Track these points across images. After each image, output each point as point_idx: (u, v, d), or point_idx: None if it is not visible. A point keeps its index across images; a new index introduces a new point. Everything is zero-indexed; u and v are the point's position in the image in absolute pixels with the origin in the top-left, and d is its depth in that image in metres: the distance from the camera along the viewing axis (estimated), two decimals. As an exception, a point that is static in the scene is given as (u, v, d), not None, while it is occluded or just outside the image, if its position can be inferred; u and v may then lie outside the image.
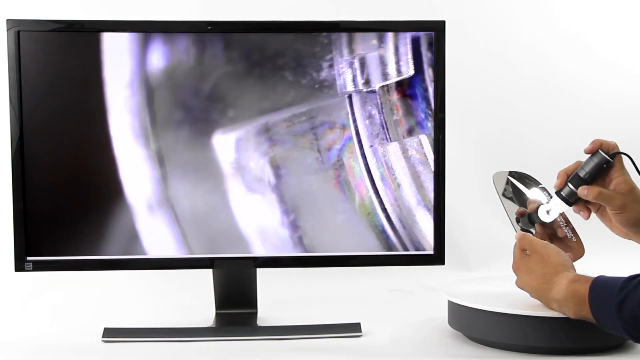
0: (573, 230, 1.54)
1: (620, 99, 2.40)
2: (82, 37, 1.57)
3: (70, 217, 1.59)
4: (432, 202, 1.62)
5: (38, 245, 1.59)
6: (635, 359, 1.42)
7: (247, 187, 1.61)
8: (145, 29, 1.58)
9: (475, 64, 2.32)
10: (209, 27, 1.59)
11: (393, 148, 1.62)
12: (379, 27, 1.60)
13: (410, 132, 1.61)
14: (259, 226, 1.61)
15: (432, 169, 1.62)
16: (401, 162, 1.62)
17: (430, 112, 1.61)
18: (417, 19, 1.61)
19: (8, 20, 1.57)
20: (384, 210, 1.62)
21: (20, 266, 1.59)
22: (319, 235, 1.62)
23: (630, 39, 2.41)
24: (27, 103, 1.57)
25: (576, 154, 1.52)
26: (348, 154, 1.62)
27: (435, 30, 1.61)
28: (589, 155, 1.49)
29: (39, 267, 1.60)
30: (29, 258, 1.59)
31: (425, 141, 1.61)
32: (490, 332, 1.46)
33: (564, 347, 1.43)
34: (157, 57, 1.58)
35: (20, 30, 1.56)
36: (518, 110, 2.37)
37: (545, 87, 2.38)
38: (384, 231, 1.63)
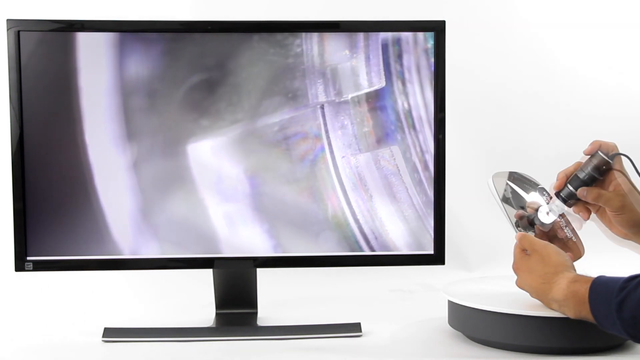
0: (573, 230, 1.54)
1: (621, 99, 2.40)
2: (82, 37, 1.57)
3: (71, 217, 1.59)
4: (405, 214, 1.63)
5: (38, 245, 1.59)
6: (635, 359, 1.43)
7: (221, 196, 1.60)
8: (146, 29, 1.58)
9: (475, 63, 2.32)
10: (209, 27, 1.59)
11: (365, 159, 1.62)
12: (379, 27, 1.60)
13: (381, 143, 1.61)
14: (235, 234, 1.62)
15: (404, 180, 1.62)
16: (373, 172, 1.62)
17: (400, 123, 1.61)
18: (417, 19, 1.62)
19: (8, 20, 1.57)
20: (357, 221, 1.62)
21: (20, 266, 1.59)
22: (293, 245, 1.62)
23: (631, 39, 2.41)
24: (27, 103, 1.57)
25: (576, 154, 1.52)
26: (321, 164, 1.61)
27: (435, 30, 1.61)
28: (589, 156, 1.49)
29: (39, 267, 1.60)
30: (29, 258, 1.59)
31: (397, 152, 1.61)
32: (490, 332, 1.46)
33: (564, 347, 1.43)
34: (135, 63, 1.58)
35: (20, 30, 1.56)
36: (518, 110, 2.37)
37: (545, 86, 2.38)
38: (356, 242, 1.63)
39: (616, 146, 1.48)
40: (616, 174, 1.47)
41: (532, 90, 2.37)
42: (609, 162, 1.47)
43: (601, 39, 2.40)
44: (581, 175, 1.48)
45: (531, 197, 1.56)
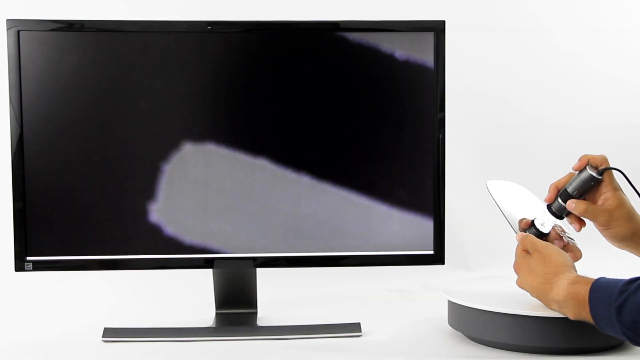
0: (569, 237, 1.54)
1: (622, 97, 2.40)
2: (82, 37, 1.57)
3: (70, 217, 1.59)
4: (404, 213, 1.63)
5: (38, 245, 1.59)
6: (635, 359, 1.43)
7: (221, 196, 1.61)
8: (145, 29, 1.58)
9: (475, 63, 2.32)
10: (209, 27, 1.59)
11: None
12: (379, 27, 1.60)
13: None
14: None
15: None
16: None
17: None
18: (417, 19, 1.62)
19: (8, 20, 1.57)
20: (357, 220, 1.63)
21: (20, 266, 1.59)
22: (293, 245, 1.62)
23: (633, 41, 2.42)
24: (27, 103, 1.57)
25: (576, 154, 1.51)
26: None
27: (435, 31, 1.61)
28: (577, 171, 1.48)
29: (39, 267, 1.60)
30: (29, 258, 1.59)
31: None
32: (490, 332, 1.46)
33: (564, 347, 1.43)
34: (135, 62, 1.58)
35: (20, 30, 1.56)
36: (518, 110, 2.37)
37: (546, 86, 2.38)
38: (356, 241, 1.63)
39: (606, 159, 1.48)
40: (606, 187, 1.46)
41: (533, 89, 2.37)
42: (597, 179, 1.46)
43: (604, 39, 2.40)
44: (570, 189, 1.48)
45: (520, 214, 1.55)
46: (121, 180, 1.59)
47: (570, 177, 1.50)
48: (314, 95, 1.60)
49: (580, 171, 1.48)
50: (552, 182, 1.52)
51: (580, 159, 1.48)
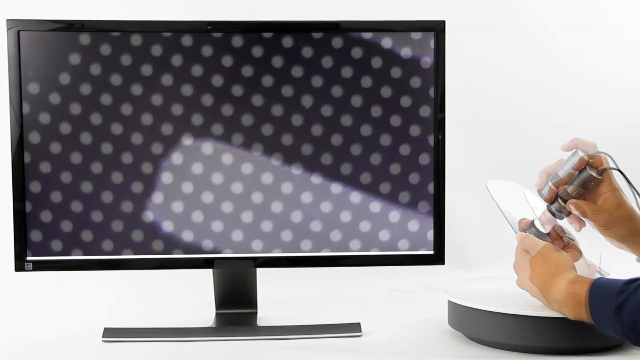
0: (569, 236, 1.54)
1: (622, 97, 2.40)
2: (82, 37, 1.57)
3: (70, 217, 1.59)
4: (404, 213, 1.63)
5: (38, 245, 1.59)
6: (634, 359, 1.43)
7: (222, 196, 1.61)
8: (146, 29, 1.58)
9: (475, 63, 2.32)
10: (209, 27, 1.59)
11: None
12: (379, 27, 1.60)
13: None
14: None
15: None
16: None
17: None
18: (417, 19, 1.62)
19: (8, 20, 1.57)
20: (357, 220, 1.62)
21: (20, 266, 1.59)
22: (293, 245, 1.62)
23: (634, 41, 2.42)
24: (27, 103, 1.57)
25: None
26: None
27: (435, 31, 1.61)
28: (577, 171, 1.47)
29: (39, 267, 1.60)
30: (29, 258, 1.59)
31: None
32: (490, 332, 1.46)
33: (564, 347, 1.43)
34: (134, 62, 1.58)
35: (20, 30, 1.56)
36: (518, 110, 2.37)
37: (546, 86, 2.38)
38: (356, 241, 1.63)
39: (596, 145, 1.48)
40: (606, 187, 1.46)
41: (533, 89, 2.37)
42: (597, 179, 1.46)
43: (604, 39, 2.40)
44: (570, 190, 1.47)
45: (520, 215, 1.55)
46: (121, 180, 1.59)
47: (559, 163, 1.49)
48: (314, 94, 1.60)
49: (580, 171, 1.48)
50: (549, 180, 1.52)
51: (571, 141, 1.48)
